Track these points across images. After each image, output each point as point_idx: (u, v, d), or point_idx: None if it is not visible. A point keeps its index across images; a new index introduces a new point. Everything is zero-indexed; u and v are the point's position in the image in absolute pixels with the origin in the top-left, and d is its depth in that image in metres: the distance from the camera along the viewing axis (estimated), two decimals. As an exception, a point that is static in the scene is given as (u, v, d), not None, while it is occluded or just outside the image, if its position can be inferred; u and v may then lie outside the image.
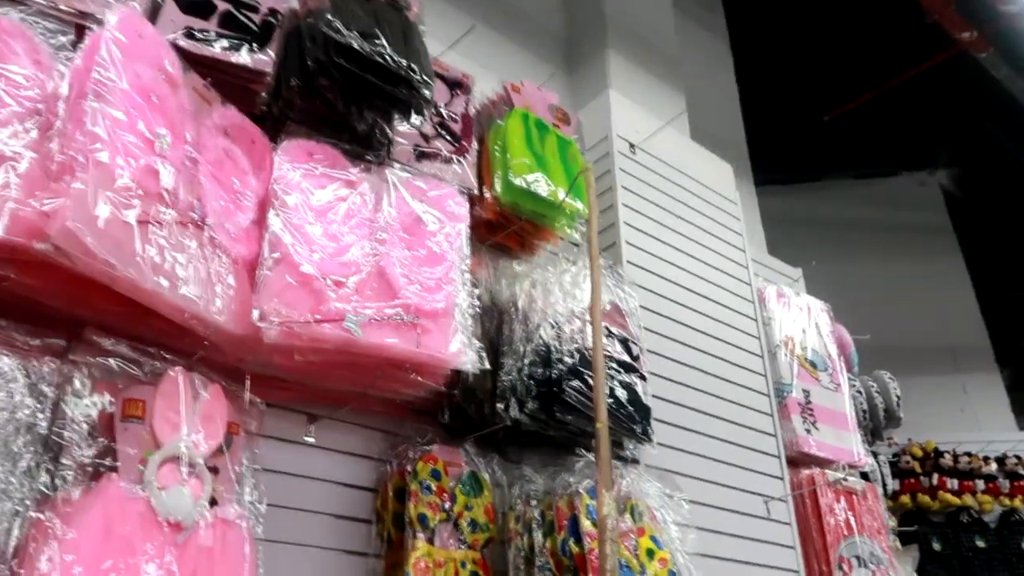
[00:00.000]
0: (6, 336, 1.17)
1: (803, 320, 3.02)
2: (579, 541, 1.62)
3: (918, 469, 5.23)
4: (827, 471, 2.63)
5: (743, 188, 3.46)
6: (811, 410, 2.75)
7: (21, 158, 1.17)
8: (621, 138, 2.56)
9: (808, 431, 2.68)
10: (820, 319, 3.12)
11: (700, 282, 2.53)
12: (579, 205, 2.06)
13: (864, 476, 2.93)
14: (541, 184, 1.98)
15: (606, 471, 1.44)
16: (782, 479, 2.45)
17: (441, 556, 1.53)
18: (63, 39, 1.37)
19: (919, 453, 5.27)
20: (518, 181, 1.97)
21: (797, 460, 2.63)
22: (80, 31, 1.38)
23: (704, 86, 3.70)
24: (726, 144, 3.48)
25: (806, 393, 2.79)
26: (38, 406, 1.14)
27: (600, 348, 1.55)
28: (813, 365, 2.92)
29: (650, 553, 1.67)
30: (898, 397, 3.44)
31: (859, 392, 3.28)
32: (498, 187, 1.98)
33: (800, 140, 5.87)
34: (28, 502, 1.08)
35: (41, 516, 1.07)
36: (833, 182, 6.55)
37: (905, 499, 5.23)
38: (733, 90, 4.06)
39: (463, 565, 1.57)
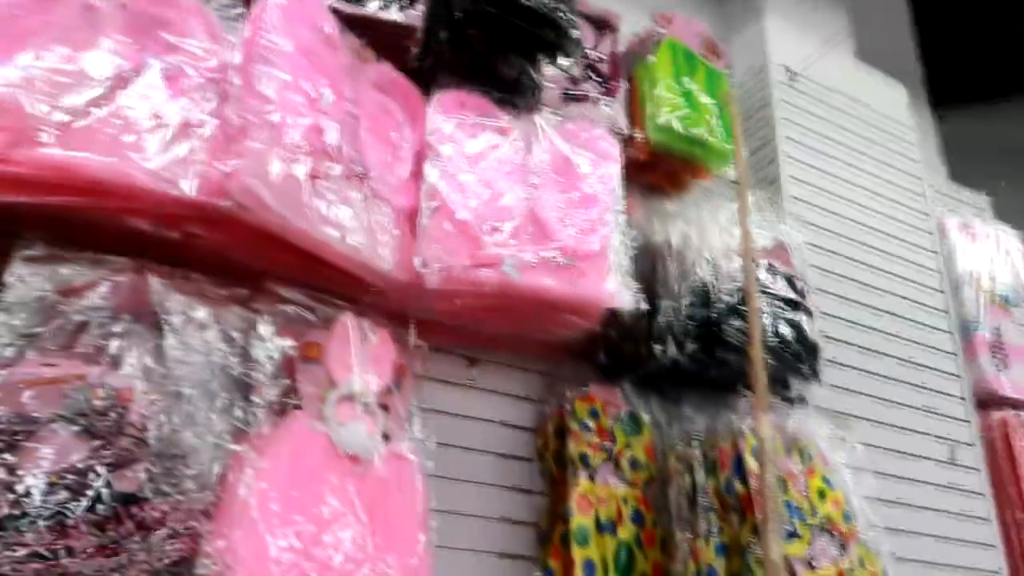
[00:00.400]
0: (199, 288, 1.28)
1: (992, 251, 2.77)
2: (744, 480, 1.59)
3: None
4: (1022, 413, 2.41)
5: (918, 111, 3.19)
6: (1002, 348, 2.53)
7: (205, 124, 1.27)
8: (779, 65, 2.42)
9: (998, 370, 2.47)
10: (1012, 250, 2.85)
11: (872, 215, 2.37)
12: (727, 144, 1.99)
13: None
14: (689, 121, 1.93)
15: (763, 395, 1.41)
16: (968, 423, 2.28)
17: (603, 493, 1.56)
18: (234, 12, 1.46)
19: None
20: (664, 119, 1.93)
21: (987, 402, 2.43)
22: (247, 3, 1.47)
23: (870, 2, 3.41)
24: (898, 64, 3.20)
25: (996, 331, 2.57)
26: (229, 350, 1.25)
27: (751, 269, 1.51)
28: (1005, 300, 2.68)
29: (821, 494, 1.62)
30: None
31: (1061, 329, 2.97)
32: (647, 126, 1.94)
33: (985, 55, 5.29)
34: (226, 436, 1.20)
35: (238, 448, 1.18)
36: (1024, 100, 5.86)
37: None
38: (903, 4, 3.72)
39: (625, 502, 1.59)
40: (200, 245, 1.30)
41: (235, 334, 1.27)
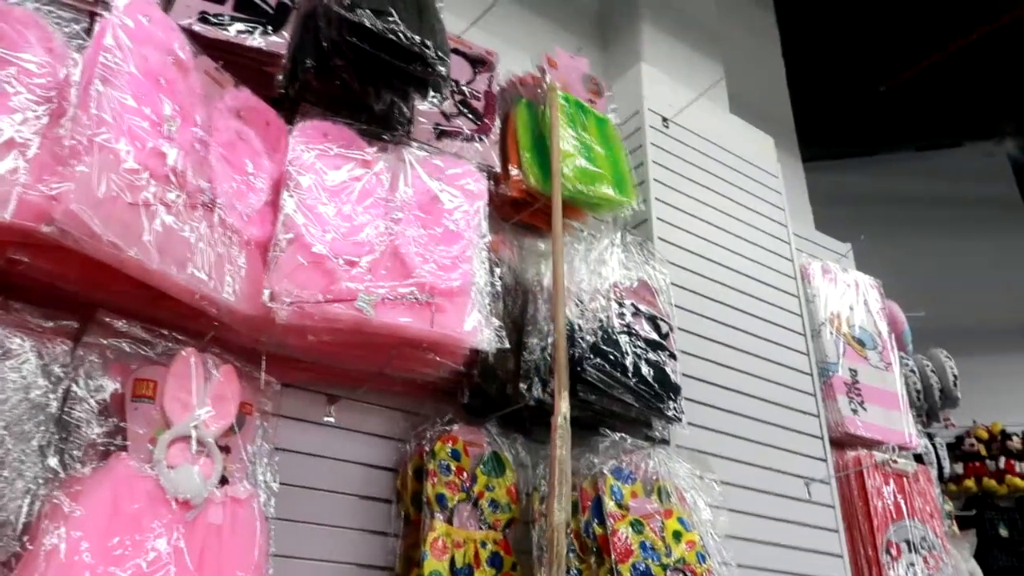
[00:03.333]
0: (20, 319, 1.19)
1: (851, 297, 2.91)
2: (602, 522, 1.59)
3: (983, 452, 5.05)
4: (875, 452, 2.53)
5: (788, 162, 3.35)
6: (858, 390, 2.66)
7: (31, 144, 1.19)
8: (653, 112, 2.49)
9: (855, 411, 2.58)
10: (869, 295, 3.00)
11: (737, 258, 2.46)
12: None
13: (918, 459, 2.83)
14: (591, 177, 1.98)
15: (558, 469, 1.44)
16: (825, 460, 2.37)
17: (460, 536, 1.52)
18: (77, 27, 1.39)
19: (984, 435, 5.09)
20: (576, 186, 1.95)
21: (843, 441, 2.53)
22: (92, 18, 1.40)
23: (746, 57, 3.59)
24: (770, 117, 3.36)
25: (853, 372, 2.69)
26: (50, 387, 1.16)
27: (561, 304, 1.56)
28: (861, 343, 2.82)
29: (676, 535, 1.63)
30: (955, 376, 3.30)
31: (912, 371, 3.16)
32: (535, 171, 1.96)
33: (854, 112, 5.66)
34: (40, 480, 1.10)
35: (52, 494, 1.09)
36: (890, 156, 6.29)
37: (969, 483, 5.06)
38: (778, 60, 3.93)
39: (483, 545, 1.56)
40: (26, 273, 1.21)
41: (58, 369, 1.18)
